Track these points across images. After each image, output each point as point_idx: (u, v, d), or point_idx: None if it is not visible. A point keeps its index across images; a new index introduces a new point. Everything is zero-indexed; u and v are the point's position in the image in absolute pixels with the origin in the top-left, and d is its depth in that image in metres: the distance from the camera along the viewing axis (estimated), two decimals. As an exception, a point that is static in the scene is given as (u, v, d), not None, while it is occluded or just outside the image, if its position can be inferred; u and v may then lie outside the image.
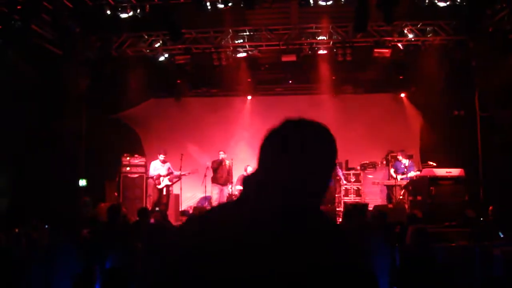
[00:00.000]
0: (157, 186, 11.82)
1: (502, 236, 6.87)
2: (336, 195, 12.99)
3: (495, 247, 5.77)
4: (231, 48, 12.05)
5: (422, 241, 5.00)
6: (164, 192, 11.87)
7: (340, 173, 12.57)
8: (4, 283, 4.61)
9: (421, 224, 6.29)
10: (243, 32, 11.88)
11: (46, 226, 7.34)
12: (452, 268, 5.42)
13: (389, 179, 12.17)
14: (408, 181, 11.33)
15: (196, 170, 12.26)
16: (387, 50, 11.32)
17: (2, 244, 5.87)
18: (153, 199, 11.88)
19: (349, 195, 13.20)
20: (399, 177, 11.62)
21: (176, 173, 12.00)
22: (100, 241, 5.85)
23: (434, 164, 11.16)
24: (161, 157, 11.92)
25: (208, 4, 10.07)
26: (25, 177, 9.89)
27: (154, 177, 11.84)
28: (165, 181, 11.87)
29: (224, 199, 12.28)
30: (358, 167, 13.40)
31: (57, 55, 11.12)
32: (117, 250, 5.36)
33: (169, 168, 12.01)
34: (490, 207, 7.95)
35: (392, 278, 5.28)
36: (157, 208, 11.20)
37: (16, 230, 6.58)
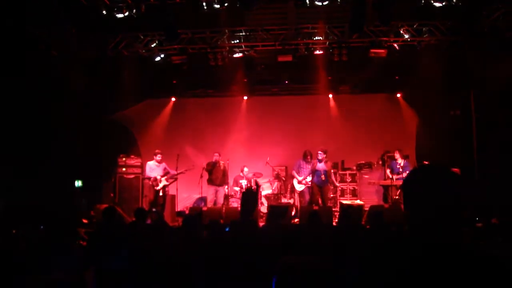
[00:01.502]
0: (155, 188, 11.80)
1: None
2: (332, 195, 13.00)
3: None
4: (227, 48, 12.04)
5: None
6: (161, 193, 11.86)
7: (332, 177, 12.38)
8: (0, 285, 4.59)
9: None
10: (239, 32, 11.87)
11: (41, 227, 7.31)
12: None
13: (385, 179, 12.19)
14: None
15: (192, 167, 12.27)
16: (383, 51, 11.34)
17: (-2, 245, 5.85)
18: (149, 199, 11.86)
19: (345, 195, 13.23)
20: (394, 177, 11.64)
21: (173, 172, 11.99)
22: (96, 242, 5.83)
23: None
24: (158, 157, 11.91)
25: (204, 4, 10.06)
26: (21, 178, 9.85)
27: (152, 179, 11.83)
28: (162, 182, 11.88)
29: (221, 200, 12.30)
30: (354, 167, 13.43)
31: (53, 56, 11.09)
32: (113, 251, 5.34)
33: (165, 168, 12.00)
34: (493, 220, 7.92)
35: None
36: (153, 209, 11.19)
37: (14, 232, 6.56)
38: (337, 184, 12.84)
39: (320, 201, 11.50)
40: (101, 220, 7.18)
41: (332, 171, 12.09)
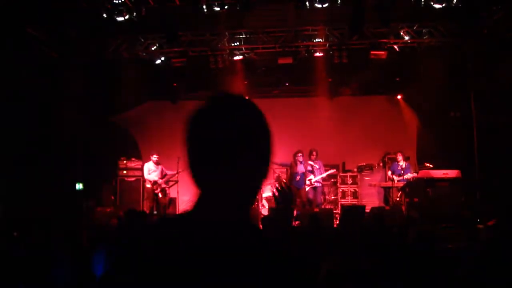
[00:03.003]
0: (154, 191, 11.80)
1: None
2: (333, 197, 13.01)
3: None
4: (228, 50, 12.05)
5: (426, 244, 4.98)
6: (160, 195, 11.85)
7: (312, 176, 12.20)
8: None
9: (423, 226, 6.28)
10: (239, 35, 11.88)
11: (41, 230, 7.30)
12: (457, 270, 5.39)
13: (386, 181, 12.17)
14: (405, 183, 11.34)
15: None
16: (383, 52, 11.35)
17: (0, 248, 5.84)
18: (150, 202, 11.85)
19: (346, 197, 13.22)
20: (396, 178, 11.63)
21: (170, 173, 12.00)
22: (97, 246, 5.82)
23: (431, 165, 11.18)
24: (154, 157, 11.90)
25: (204, 6, 10.07)
26: (22, 180, 9.84)
27: (151, 182, 11.83)
28: (162, 185, 11.89)
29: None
30: (355, 169, 13.42)
31: (53, 58, 11.09)
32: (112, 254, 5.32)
33: (162, 170, 12.00)
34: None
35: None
36: (154, 212, 11.18)
37: (15, 235, 6.55)
38: (325, 174, 12.52)
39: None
40: (102, 223, 7.16)
41: (308, 173, 12.11)
